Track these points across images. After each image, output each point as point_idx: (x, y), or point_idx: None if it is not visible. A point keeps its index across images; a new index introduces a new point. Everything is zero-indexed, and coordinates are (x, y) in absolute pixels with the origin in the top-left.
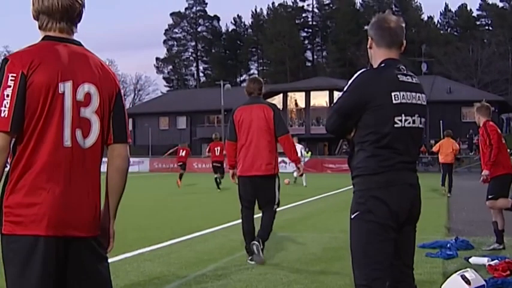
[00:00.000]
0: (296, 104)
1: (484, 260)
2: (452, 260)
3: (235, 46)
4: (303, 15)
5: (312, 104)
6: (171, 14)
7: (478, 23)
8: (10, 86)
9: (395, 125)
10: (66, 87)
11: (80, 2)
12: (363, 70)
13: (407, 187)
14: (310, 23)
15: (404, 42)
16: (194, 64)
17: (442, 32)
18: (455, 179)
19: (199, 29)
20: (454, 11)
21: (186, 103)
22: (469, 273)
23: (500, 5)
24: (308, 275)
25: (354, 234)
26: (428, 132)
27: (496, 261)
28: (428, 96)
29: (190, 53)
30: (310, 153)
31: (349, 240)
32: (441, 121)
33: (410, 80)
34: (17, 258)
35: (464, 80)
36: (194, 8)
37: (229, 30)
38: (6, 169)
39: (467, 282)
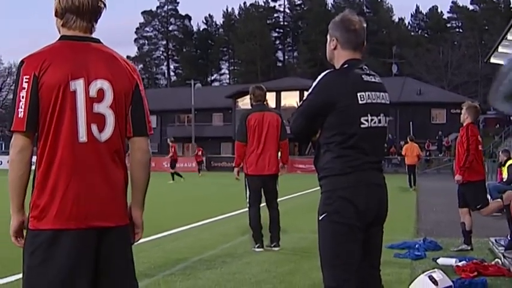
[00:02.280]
0: (266, 104)
1: (452, 261)
2: (420, 261)
3: (206, 45)
4: (275, 15)
5: (282, 104)
6: (143, 13)
7: (448, 25)
8: (24, 88)
9: (362, 125)
10: (78, 85)
11: (105, 2)
12: (327, 71)
13: (374, 187)
14: (282, 23)
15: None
16: (165, 63)
17: (412, 33)
18: (424, 180)
19: (170, 28)
20: (424, 13)
21: (157, 102)
22: (437, 274)
23: (471, 7)
24: (277, 275)
25: (322, 235)
26: (398, 134)
27: (464, 262)
28: (398, 98)
29: (161, 52)
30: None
31: (318, 242)
32: (411, 122)
33: (374, 80)
34: (39, 252)
35: (435, 82)
36: (166, 6)
37: (201, 29)
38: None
39: (435, 282)
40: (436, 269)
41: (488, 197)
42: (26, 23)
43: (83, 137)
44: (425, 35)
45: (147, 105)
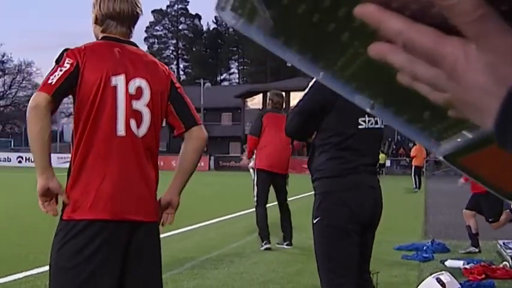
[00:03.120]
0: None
1: (460, 263)
2: (428, 263)
3: (216, 45)
4: None
5: (291, 105)
6: (153, 12)
7: None
8: (65, 67)
9: (360, 126)
10: (119, 81)
11: (141, 10)
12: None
13: (369, 190)
14: None
15: None
16: (175, 62)
17: None
18: (432, 182)
19: (180, 27)
20: None
21: None
22: (444, 276)
23: None
24: (284, 275)
25: (318, 239)
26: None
27: (472, 264)
28: None
29: (171, 51)
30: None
31: (313, 246)
32: None
33: None
34: (73, 241)
35: None
36: (176, 6)
37: (211, 28)
38: (62, 162)
39: (443, 285)
40: (443, 271)
41: None
42: (34, 22)
43: (121, 131)
44: None
45: (190, 101)
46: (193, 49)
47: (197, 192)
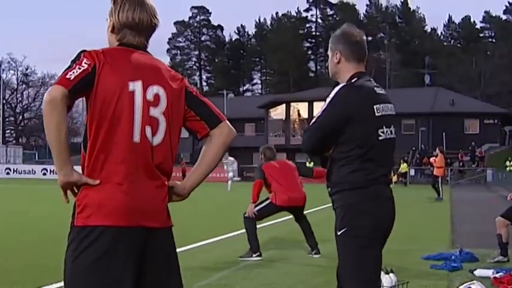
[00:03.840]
0: (299, 115)
1: (489, 273)
2: (457, 272)
3: (238, 56)
4: (307, 25)
5: (315, 115)
6: (175, 23)
7: (481, 35)
8: (83, 66)
9: (379, 138)
10: (136, 86)
11: (159, 21)
12: (341, 86)
13: (388, 200)
14: (314, 33)
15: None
16: (197, 73)
17: (445, 43)
18: (457, 191)
19: (202, 38)
20: (457, 23)
21: None
22: (476, 286)
23: (504, 17)
24: (313, 286)
25: (344, 250)
26: (431, 144)
27: (501, 273)
28: (431, 108)
29: (193, 62)
30: (312, 163)
31: (338, 258)
32: (444, 133)
33: (382, 92)
34: (87, 249)
35: (467, 92)
36: (198, 17)
37: (233, 39)
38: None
39: None
40: (475, 281)
41: None
42: (57, 33)
43: (136, 137)
44: (458, 45)
45: (207, 100)
46: (216, 60)
47: (223, 202)
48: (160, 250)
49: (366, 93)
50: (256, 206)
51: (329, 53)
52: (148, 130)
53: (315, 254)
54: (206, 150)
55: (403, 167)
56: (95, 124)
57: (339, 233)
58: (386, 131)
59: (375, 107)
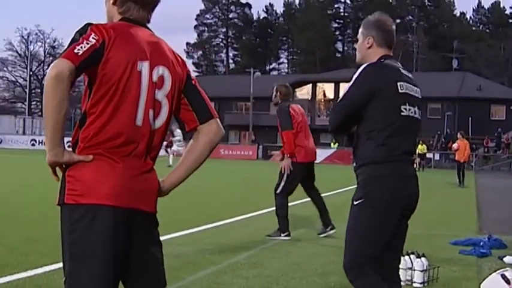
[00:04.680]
0: (324, 95)
1: None
2: (486, 259)
3: (265, 34)
4: (335, 5)
5: (340, 95)
6: (203, 0)
7: (510, 20)
8: (91, 42)
9: (402, 113)
10: (144, 67)
11: None
12: (366, 64)
13: (410, 178)
14: (342, 14)
15: None
16: (224, 50)
17: (474, 28)
18: (481, 177)
19: (230, 16)
20: (486, 8)
21: (215, 89)
22: (509, 273)
23: None
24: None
25: (357, 218)
26: (457, 129)
27: None
28: (458, 93)
29: (220, 40)
30: (337, 144)
31: (348, 225)
32: (470, 118)
33: (409, 75)
34: (83, 228)
35: (495, 78)
36: None
37: (261, 18)
38: (68, 139)
39: (507, 281)
40: (508, 268)
41: None
42: (86, 6)
43: (139, 120)
44: (487, 30)
45: (204, 92)
46: (243, 38)
47: (249, 181)
48: (148, 234)
49: (389, 70)
50: (280, 182)
51: (359, 37)
52: (151, 113)
53: (331, 229)
54: (191, 148)
55: (421, 148)
56: (100, 102)
57: (355, 203)
58: (410, 109)
59: (398, 84)
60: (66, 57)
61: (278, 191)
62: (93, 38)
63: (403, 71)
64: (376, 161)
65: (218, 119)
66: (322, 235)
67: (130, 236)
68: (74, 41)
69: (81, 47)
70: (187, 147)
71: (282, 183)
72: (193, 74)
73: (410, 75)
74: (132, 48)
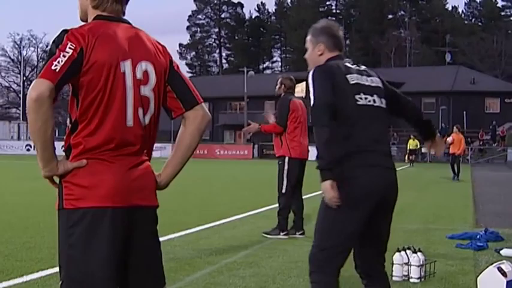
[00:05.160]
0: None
1: None
2: (482, 252)
3: (258, 33)
4: (327, 3)
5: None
6: (195, 0)
7: (502, 13)
8: (68, 53)
9: (358, 103)
10: (127, 66)
11: None
12: (314, 67)
13: (384, 170)
14: (334, 11)
15: None
16: (217, 51)
17: (466, 22)
18: (477, 170)
19: (222, 16)
20: (478, 1)
21: (209, 89)
22: (505, 265)
23: None
24: None
25: (323, 213)
26: (451, 123)
27: None
28: (451, 87)
29: (213, 40)
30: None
31: (318, 212)
32: (464, 112)
33: (358, 68)
34: (80, 231)
35: (488, 71)
36: None
37: (253, 17)
38: (60, 145)
39: (504, 274)
40: (504, 260)
41: None
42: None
43: (130, 121)
44: (479, 23)
45: (187, 78)
46: (236, 37)
47: (245, 180)
48: (148, 229)
49: (336, 66)
50: (282, 182)
51: (308, 45)
52: (140, 112)
53: (301, 234)
54: (181, 137)
55: (412, 144)
56: (89, 109)
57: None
58: (366, 98)
59: (347, 76)
60: (43, 76)
61: (284, 191)
62: (69, 48)
63: (352, 66)
64: (341, 154)
65: (203, 104)
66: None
67: (130, 235)
68: (51, 55)
69: (58, 62)
70: (178, 136)
71: (285, 182)
72: (176, 60)
73: (363, 68)
74: (112, 50)
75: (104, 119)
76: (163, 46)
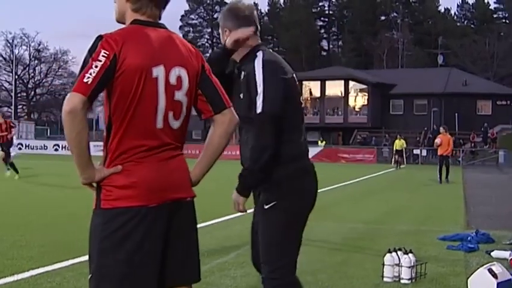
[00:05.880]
0: (311, 93)
1: (506, 254)
2: (473, 253)
3: None
4: (320, 4)
5: (326, 93)
6: (188, 0)
7: (495, 15)
8: (101, 61)
9: (300, 105)
10: (160, 71)
11: None
12: (257, 61)
13: (315, 174)
14: (327, 12)
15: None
16: (210, 51)
17: (458, 24)
18: (469, 172)
19: (215, 16)
20: (471, 4)
21: None
22: (496, 267)
23: None
24: (331, 265)
25: (272, 223)
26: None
27: None
28: (443, 89)
29: (206, 40)
30: (324, 142)
31: (263, 229)
32: (456, 114)
33: None
34: (120, 231)
35: (480, 73)
36: None
37: None
38: (98, 150)
39: (494, 276)
40: (494, 262)
41: None
42: (70, 9)
43: (159, 123)
44: (472, 25)
45: (217, 81)
46: None
47: (236, 180)
48: (186, 220)
49: (284, 64)
50: None
51: (220, 30)
52: (170, 115)
53: None
54: (210, 140)
55: (399, 144)
56: (118, 112)
57: (266, 207)
58: (300, 99)
59: (293, 74)
60: (76, 90)
61: None
62: (103, 55)
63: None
64: (286, 159)
65: (232, 108)
66: None
67: (169, 229)
68: (85, 64)
69: (90, 74)
70: (207, 138)
71: None
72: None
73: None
74: (144, 55)
75: (136, 123)
76: (196, 50)
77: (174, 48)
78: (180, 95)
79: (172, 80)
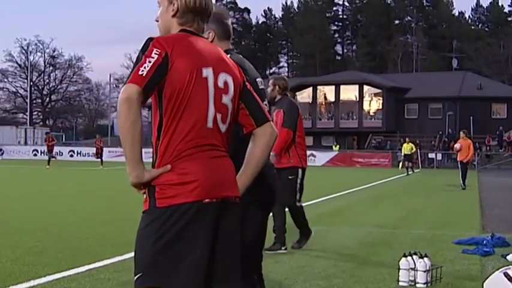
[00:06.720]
0: (325, 98)
1: None
2: (489, 257)
3: (265, 39)
4: (334, 8)
5: (341, 98)
6: None
7: (509, 19)
8: (154, 58)
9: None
10: (209, 73)
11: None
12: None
13: None
14: (341, 16)
15: None
16: None
17: (473, 27)
18: (484, 176)
19: None
20: (485, 7)
21: None
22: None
23: None
24: (346, 269)
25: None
26: (458, 128)
27: None
28: (458, 92)
29: None
30: (338, 146)
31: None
32: (471, 117)
33: None
34: (176, 226)
35: (495, 76)
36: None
37: (260, 22)
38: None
39: (510, 279)
40: (510, 266)
41: None
42: (85, 16)
43: (210, 123)
44: (486, 29)
45: (257, 96)
46: (243, 43)
47: None
48: (233, 219)
49: (249, 69)
50: (295, 193)
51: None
52: (219, 117)
53: (285, 249)
54: (251, 152)
55: (407, 148)
56: (170, 110)
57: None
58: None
59: (256, 78)
60: (132, 81)
61: (298, 203)
62: (155, 53)
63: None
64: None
65: (271, 122)
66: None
67: (218, 226)
68: (138, 61)
69: (145, 67)
70: (247, 153)
71: (299, 194)
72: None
73: None
74: (194, 56)
75: (186, 122)
76: (238, 66)
77: (220, 56)
78: (226, 100)
79: (220, 83)
